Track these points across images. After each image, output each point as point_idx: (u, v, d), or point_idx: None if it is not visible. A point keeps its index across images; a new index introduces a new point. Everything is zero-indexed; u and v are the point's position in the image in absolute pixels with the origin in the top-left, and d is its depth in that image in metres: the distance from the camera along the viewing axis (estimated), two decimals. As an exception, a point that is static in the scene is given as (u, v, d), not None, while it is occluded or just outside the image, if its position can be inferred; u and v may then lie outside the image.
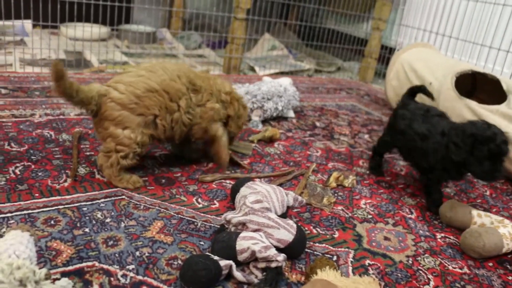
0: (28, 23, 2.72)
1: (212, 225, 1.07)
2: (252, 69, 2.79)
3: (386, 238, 1.14)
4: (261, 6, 2.82)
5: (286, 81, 1.95)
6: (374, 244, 1.11)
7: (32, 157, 1.28)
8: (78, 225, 1.00)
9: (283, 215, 1.06)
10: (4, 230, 0.95)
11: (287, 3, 3.17)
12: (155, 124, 1.19)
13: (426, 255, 1.10)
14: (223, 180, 1.30)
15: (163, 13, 3.46)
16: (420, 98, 1.49)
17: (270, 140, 1.63)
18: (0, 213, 1.00)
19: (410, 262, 1.06)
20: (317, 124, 1.94)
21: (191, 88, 1.24)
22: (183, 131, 1.26)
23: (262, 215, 0.96)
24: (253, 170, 1.40)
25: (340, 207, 1.25)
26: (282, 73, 2.80)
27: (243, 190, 1.07)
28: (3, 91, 1.77)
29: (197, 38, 3.18)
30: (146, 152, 1.39)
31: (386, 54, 3.10)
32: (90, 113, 1.16)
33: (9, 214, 1.01)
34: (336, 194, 1.32)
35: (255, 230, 0.94)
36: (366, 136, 1.89)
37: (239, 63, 2.64)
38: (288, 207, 1.08)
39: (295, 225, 0.97)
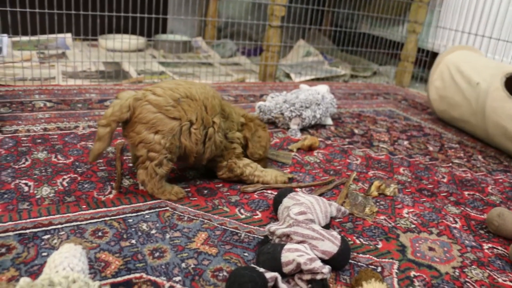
0: (69, 37, 2.80)
1: (256, 236, 1.08)
2: (287, 76, 2.79)
3: (430, 249, 1.12)
4: (295, 13, 2.83)
5: (323, 88, 1.95)
6: (418, 254, 1.09)
7: (78, 169, 1.31)
8: (125, 236, 1.03)
9: (327, 226, 1.05)
10: (55, 241, 0.98)
11: (321, 9, 3.17)
12: (189, 132, 1.18)
13: (474, 266, 1.07)
14: (264, 190, 1.31)
15: (197, 22, 3.50)
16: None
17: (310, 149, 1.63)
18: (51, 224, 1.04)
19: (457, 274, 1.04)
20: (356, 131, 1.92)
21: (221, 112, 1.27)
22: (212, 151, 1.25)
23: (307, 227, 0.96)
24: (294, 179, 1.40)
25: (382, 217, 1.24)
26: (317, 79, 2.80)
27: (286, 201, 1.07)
28: (48, 104, 1.83)
29: (232, 46, 3.21)
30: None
31: (423, 57, 3.05)
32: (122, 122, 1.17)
33: (59, 226, 1.04)
34: (378, 203, 1.31)
35: (299, 242, 0.94)
36: (406, 143, 1.86)
37: (274, 71, 2.65)
38: (331, 218, 1.08)
39: (339, 236, 0.97)
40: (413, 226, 1.21)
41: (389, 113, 2.29)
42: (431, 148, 1.83)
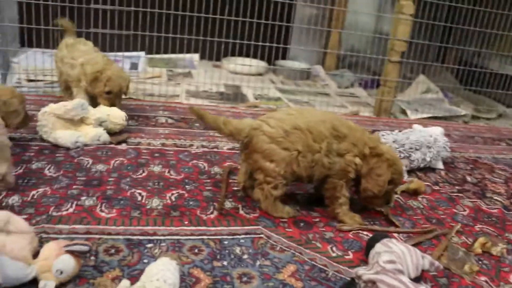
0: (196, 57, 3.02)
1: (343, 276, 1.08)
2: (403, 112, 2.72)
3: (535, 323, 1.03)
4: (416, 48, 2.76)
5: (437, 130, 1.88)
6: (519, 327, 1.00)
7: (186, 186, 1.42)
8: (218, 257, 1.09)
9: (417, 279, 1.02)
10: (156, 251, 1.07)
11: (445, 45, 3.05)
12: (298, 161, 1.27)
13: None
14: (360, 231, 1.30)
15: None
16: None
17: (414, 193, 1.57)
18: (156, 235, 1.14)
19: None
20: (468, 178, 1.82)
21: (334, 134, 1.30)
22: (322, 173, 1.31)
23: (394, 277, 0.94)
24: (392, 224, 1.37)
25: (483, 278, 1.16)
26: (435, 118, 2.69)
27: (378, 247, 1.06)
28: (170, 120, 1.99)
29: (350, 77, 3.21)
30: (288, 192, 1.44)
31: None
32: (241, 144, 1.31)
33: (162, 237, 1.13)
34: (480, 262, 1.23)
35: (385, 291, 0.93)
36: (525, 198, 1.71)
37: (390, 106, 2.60)
38: (422, 271, 1.04)
39: (429, 292, 0.93)
40: (518, 293, 1.12)
41: (511, 162, 2.13)
42: (554, 208, 1.67)
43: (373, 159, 1.31)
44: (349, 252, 1.19)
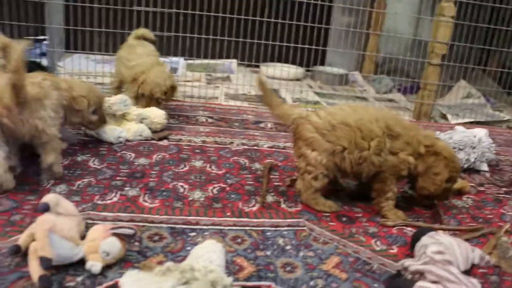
0: (234, 62, 3.05)
1: (388, 269, 1.05)
2: (443, 116, 2.67)
3: None
4: (457, 52, 2.71)
5: (481, 132, 1.83)
6: None
7: (228, 181, 1.42)
8: (261, 247, 1.08)
9: (466, 272, 0.98)
10: (199, 239, 1.08)
11: (488, 48, 2.98)
12: (343, 156, 1.27)
13: None
14: (404, 227, 1.27)
15: (356, 56, 3.54)
16: None
17: (458, 193, 1.53)
18: (198, 224, 1.15)
19: None
20: (515, 181, 1.76)
21: (387, 133, 1.28)
22: (370, 171, 1.30)
23: (443, 268, 0.91)
24: (437, 220, 1.33)
25: (536, 276, 1.11)
26: (477, 123, 2.62)
27: (425, 240, 1.03)
28: (209, 120, 2.01)
29: (388, 82, 3.17)
30: (331, 188, 1.42)
31: None
32: (290, 130, 1.34)
33: (204, 227, 1.14)
34: (532, 261, 1.18)
35: (433, 282, 0.90)
36: None
37: (430, 110, 2.55)
38: (473, 265, 1.01)
39: (478, 285, 0.90)
40: None
41: (559, 168, 2.05)
42: None
43: (431, 158, 1.30)
44: (394, 246, 1.16)
